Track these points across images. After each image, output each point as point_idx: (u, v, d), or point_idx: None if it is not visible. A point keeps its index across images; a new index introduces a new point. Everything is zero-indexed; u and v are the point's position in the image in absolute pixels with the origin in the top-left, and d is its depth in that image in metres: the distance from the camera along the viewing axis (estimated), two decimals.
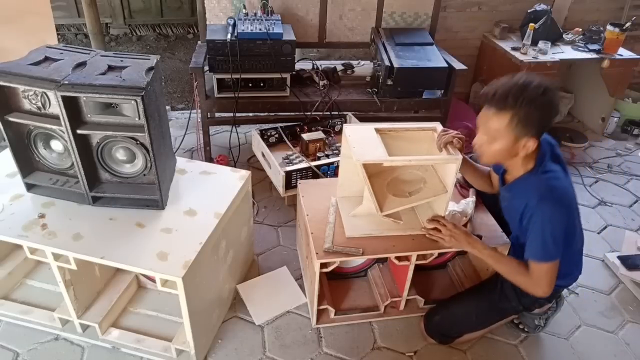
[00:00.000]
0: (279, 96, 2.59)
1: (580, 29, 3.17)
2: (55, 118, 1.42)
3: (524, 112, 1.34)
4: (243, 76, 2.46)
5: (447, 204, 1.67)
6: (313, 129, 2.63)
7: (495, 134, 1.40)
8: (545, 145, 1.49)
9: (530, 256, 1.49)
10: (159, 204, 1.62)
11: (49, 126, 1.45)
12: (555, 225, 1.42)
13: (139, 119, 1.40)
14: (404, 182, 1.73)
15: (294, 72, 2.57)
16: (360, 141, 1.60)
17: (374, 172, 1.67)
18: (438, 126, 1.71)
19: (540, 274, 1.48)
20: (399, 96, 2.62)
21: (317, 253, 1.64)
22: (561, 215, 1.43)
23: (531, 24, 2.93)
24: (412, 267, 1.74)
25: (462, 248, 1.63)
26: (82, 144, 1.48)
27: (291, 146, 2.57)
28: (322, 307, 1.81)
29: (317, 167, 2.32)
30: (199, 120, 2.63)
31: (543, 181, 1.45)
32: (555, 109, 1.39)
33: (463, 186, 1.98)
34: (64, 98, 1.35)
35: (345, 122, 2.74)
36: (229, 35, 2.37)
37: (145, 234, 1.54)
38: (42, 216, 1.57)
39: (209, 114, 2.61)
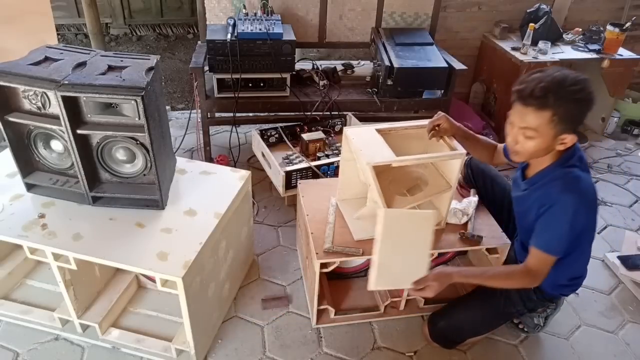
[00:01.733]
0: (279, 96, 2.59)
1: (580, 29, 3.17)
2: (55, 118, 1.42)
3: (563, 109, 1.31)
4: (243, 76, 2.46)
5: (450, 199, 1.67)
6: (313, 129, 2.63)
7: (534, 132, 1.36)
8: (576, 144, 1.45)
9: (538, 245, 1.44)
10: (159, 204, 1.62)
11: (49, 126, 1.45)
12: (577, 218, 1.38)
13: (139, 119, 1.40)
14: (403, 180, 1.73)
15: (294, 72, 2.57)
16: (366, 144, 1.59)
17: (377, 172, 1.67)
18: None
19: (540, 265, 1.45)
20: (399, 96, 2.62)
21: (317, 253, 1.64)
22: (585, 210, 1.40)
23: (531, 24, 2.93)
24: None
25: (451, 282, 1.52)
26: (82, 144, 1.48)
27: (291, 146, 2.57)
28: (322, 307, 1.81)
29: (317, 167, 2.32)
30: (199, 120, 2.63)
31: (568, 173, 1.42)
32: (592, 101, 1.35)
33: (463, 186, 1.98)
34: (64, 98, 1.35)
35: (345, 122, 2.74)
36: (229, 35, 2.37)
37: (145, 234, 1.54)
38: (42, 216, 1.57)
39: (209, 114, 2.61)
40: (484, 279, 1.56)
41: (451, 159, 1.63)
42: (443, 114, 1.64)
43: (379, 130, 1.67)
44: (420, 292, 1.47)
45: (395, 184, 1.72)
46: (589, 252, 1.62)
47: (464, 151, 1.58)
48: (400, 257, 1.43)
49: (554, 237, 1.41)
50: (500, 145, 1.76)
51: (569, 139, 1.37)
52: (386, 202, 1.60)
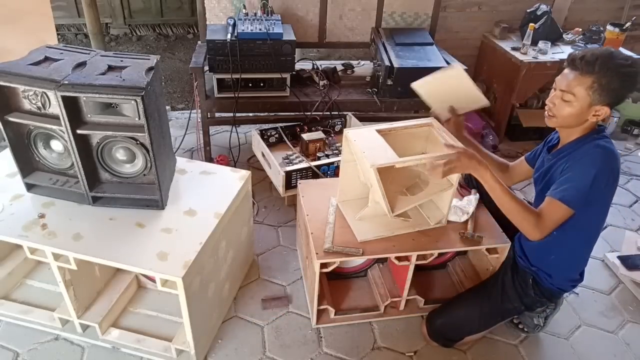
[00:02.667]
0: (279, 96, 2.59)
1: (580, 29, 3.17)
2: (55, 118, 1.42)
3: (606, 79, 1.34)
4: (243, 76, 2.46)
5: (451, 198, 1.68)
6: (313, 129, 2.63)
7: (572, 96, 1.40)
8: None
9: (555, 194, 1.41)
10: (159, 204, 1.62)
11: (49, 126, 1.45)
12: (600, 175, 1.37)
13: (139, 119, 1.40)
14: (402, 179, 1.73)
15: (294, 72, 2.57)
16: (368, 145, 1.59)
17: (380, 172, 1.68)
18: (433, 121, 1.72)
19: (552, 215, 1.42)
20: (399, 96, 2.62)
21: (317, 253, 1.64)
22: (609, 171, 1.39)
23: (531, 24, 2.93)
24: (412, 267, 1.74)
25: (469, 171, 1.50)
26: (82, 144, 1.48)
27: (291, 146, 2.57)
28: (322, 307, 1.81)
29: (317, 167, 2.32)
30: (199, 120, 2.63)
31: (600, 140, 1.43)
32: (637, 83, 1.38)
33: (463, 186, 1.98)
34: (64, 98, 1.35)
35: (345, 122, 2.74)
36: (229, 35, 2.37)
37: (145, 234, 1.54)
38: (42, 216, 1.57)
39: (209, 114, 2.61)
40: (502, 193, 1.47)
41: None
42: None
43: (379, 131, 1.67)
44: (446, 164, 1.45)
45: (394, 182, 1.73)
46: (593, 239, 1.60)
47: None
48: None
49: (573, 187, 1.39)
50: (521, 158, 1.80)
51: (603, 112, 1.40)
52: (389, 203, 1.60)
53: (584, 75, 1.37)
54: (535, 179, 1.67)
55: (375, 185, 1.57)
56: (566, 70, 1.43)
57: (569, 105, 1.42)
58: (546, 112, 1.51)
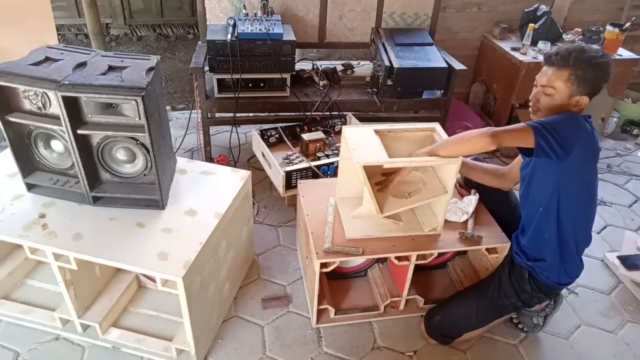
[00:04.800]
0: (279, 96, 2.60)
1: (580, 29, 3.18)
2: (55, 118, 1.42)
3: (581, 71, 1.45)
4: (243, 76, 2.47)
5: (447, 204, 1.67)
6: (313, 129, 2.63)
7: (553, 90, 1.50)
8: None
9: (527, 123, 1.45)
10: (159, 204, 1.62)
11: (49, 126, 1.45)
12: (570, 124, 1.42)
13: (140, 119, 1.40)
14: (404, 183, 1.73)
15: (294, 73, 2.58)
16: (360, 143, 1.60)
17: (374, 173, 1.67)
18: (437, 126, 1.71)
19: (510, 130, 1.46)
20: (399, 96, 2.62)
21: (317, 253, 1.64)
22: (582, 128, 1.44)
23: (531, 25, 2.94)
24: (412, 267, 1.74)
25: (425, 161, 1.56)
26: (83, 144, 1.48)
27: (291, 146, 2.57)
28: (322, 306, 1.81)
29: (317, 167, 2.33)
30: (199, 120, 2.63)
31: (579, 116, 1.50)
32: (609, 73, 1.49)
33: (463, 186, 1.98)
34: (64, 98, 1.35)
35: (345, 122, 2.74)
36: (229, 36, 2.38)
37: (145, 234, 1.54)
38: (42, 216, 1.57)
39: (209, 114, 2.61)
40: (451, 142, 1.54)
41: (446, 164, 1.60)
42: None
43: (377, 131, 1.67)
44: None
45: (396, 185, 1.72)
46: (584, 224, 1.62)
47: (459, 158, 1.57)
48: None
49: (543, 122, 1.42)
50: (513, 162, 1.82)
51: (583, 101, 1.50)
52: (378, 203, 1.60)
53: (560, 69, 1.48)
54: (522, 176, 1.68)
55: (364, 184, 1.58)
56: (545, 67, 1.53)
57: (551, 99, 1.51)
58: (530, 109, 1.60)
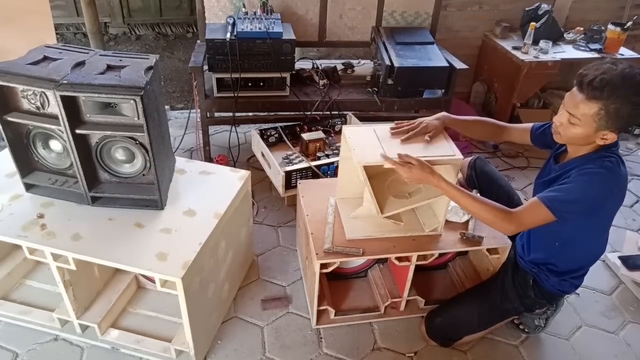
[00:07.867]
0: (278, 96, 2.58)
1: (582, 28, 3.17)
2: (54, 118, 1.41)
3: (615, 107, 1.27)
4: (242, 75, 2.46)
5: (447, 204, 1.66)
6: (313, 128, 2.62)
7: (578, 120, 1.34)
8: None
9: (543, 196, 1.38)
10: (158, 204, 1.61)
11: (48, 126, 1.44)
12: (592, 187, 1.34)
13: (138, 118, 1.39)
14: (404, 183, 1.72)
15: (293, 72, 2.56)
16: (360, 143, 1.59)
17: (374, 173, 1.66)
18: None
19: (530, 213, 1.40)
20: (400, 96, 2.61)
21: (317, 253, 1.63)
22: (604, 186, 1.35)
23: (532, 23, 2.93)
24: (412, 268, 1.73)
25: (426, 182, 1.51)
26: (81, 143, 1.47)
27: (291, 146, 2.56)
28: (322, 307, 1.80)
29: (317, 167, 2.32)
30: (199, 119, 2.63)
31: (606, 161, 1.37)
32: None
33: (464, 185, 1.98)
34: (63, 98, 1.34)
35: (346, 121, 2.73)
36: (228, 35, 2.36)
37: (144, 234, 1.53)
38: (41, 216, 1.56)
39: (208, 113, 2.60)
40: (463, 197, 1.47)
41: (446, 163, 1.59)
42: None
43: (377, 131, 1.66)
44: (400, 166, 1.48)
45: (395, 185, 1.71)
46: (597, 242, 1.57)
47: (460, 157, 1.56)
48: None
49: (561, 196, 1.36)
50: (528, 125, 1.70)
51: (610, 137, 1.34)
52: (378, 203, 1.59)
53: (590, 100, 1.29)
54: (537, 184, 1.64)
55: (364, 184, 1.57)
56: (575, 90, 1.35)
57: (575, 128, 1.37)
58: (553, 128, 1.47)
